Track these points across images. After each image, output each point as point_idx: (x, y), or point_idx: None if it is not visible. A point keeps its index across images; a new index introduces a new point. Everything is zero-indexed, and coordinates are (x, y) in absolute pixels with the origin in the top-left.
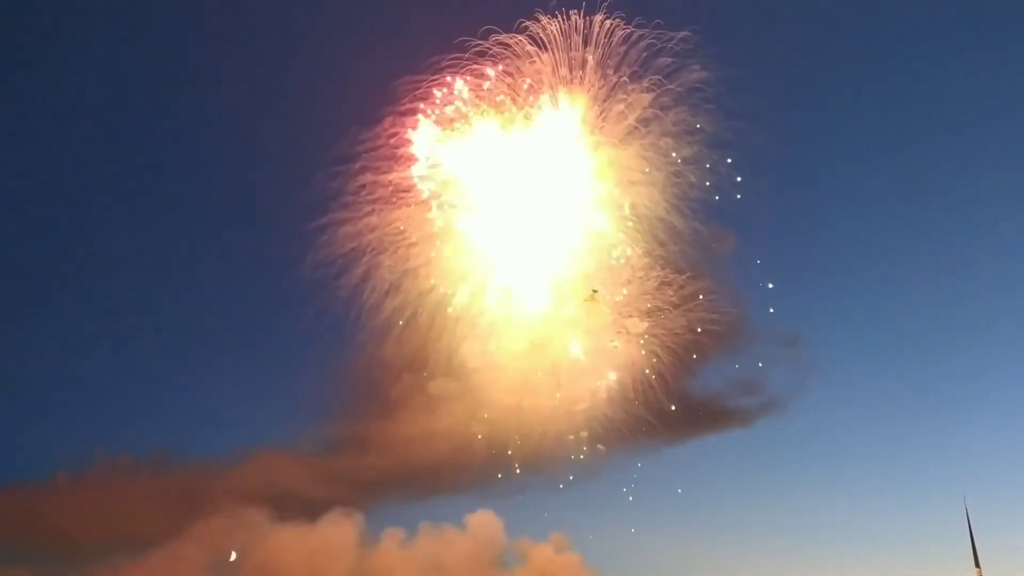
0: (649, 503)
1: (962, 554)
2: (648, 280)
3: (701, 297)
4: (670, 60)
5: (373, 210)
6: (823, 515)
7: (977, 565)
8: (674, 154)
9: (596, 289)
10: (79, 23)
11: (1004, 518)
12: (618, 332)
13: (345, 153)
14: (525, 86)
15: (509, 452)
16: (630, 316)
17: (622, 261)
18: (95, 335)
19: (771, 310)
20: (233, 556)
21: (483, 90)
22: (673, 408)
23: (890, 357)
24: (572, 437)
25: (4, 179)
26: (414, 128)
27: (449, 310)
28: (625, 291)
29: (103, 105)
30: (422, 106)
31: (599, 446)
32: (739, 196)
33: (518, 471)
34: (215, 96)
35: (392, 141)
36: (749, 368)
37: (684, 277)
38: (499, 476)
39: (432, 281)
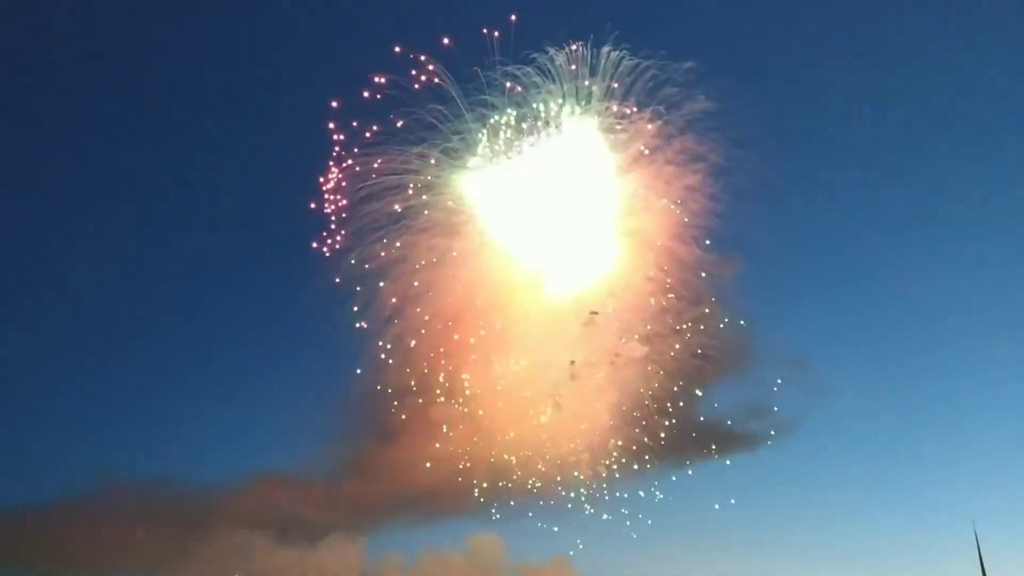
0: (655, 526)
1: None
2: (651, 305)
3: (706, 322)
4: (675, 90)
5: (377, 235)
6: (831, 539)
7: None
8: (679, 182)
9: (596, 311)
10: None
11: (1014, 542)
12: (617, 355)
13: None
14: (530, 115)
15: (512, 476)
16: (631, 340)
17: (624, 286)
18: (96, 359)
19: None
20: None
21: (490, 119)
22: (679, 432)
23: (898, 380)
24: (575, 460)
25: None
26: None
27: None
28: (627, 315)
29: (104, 130)
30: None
31: (602, 470)
32: (745, 222)
33: (520, 495)
34: (214, 116)
35: (397, 166)
36: (756, 392)
37: (685, 303)
38: (507, 500)
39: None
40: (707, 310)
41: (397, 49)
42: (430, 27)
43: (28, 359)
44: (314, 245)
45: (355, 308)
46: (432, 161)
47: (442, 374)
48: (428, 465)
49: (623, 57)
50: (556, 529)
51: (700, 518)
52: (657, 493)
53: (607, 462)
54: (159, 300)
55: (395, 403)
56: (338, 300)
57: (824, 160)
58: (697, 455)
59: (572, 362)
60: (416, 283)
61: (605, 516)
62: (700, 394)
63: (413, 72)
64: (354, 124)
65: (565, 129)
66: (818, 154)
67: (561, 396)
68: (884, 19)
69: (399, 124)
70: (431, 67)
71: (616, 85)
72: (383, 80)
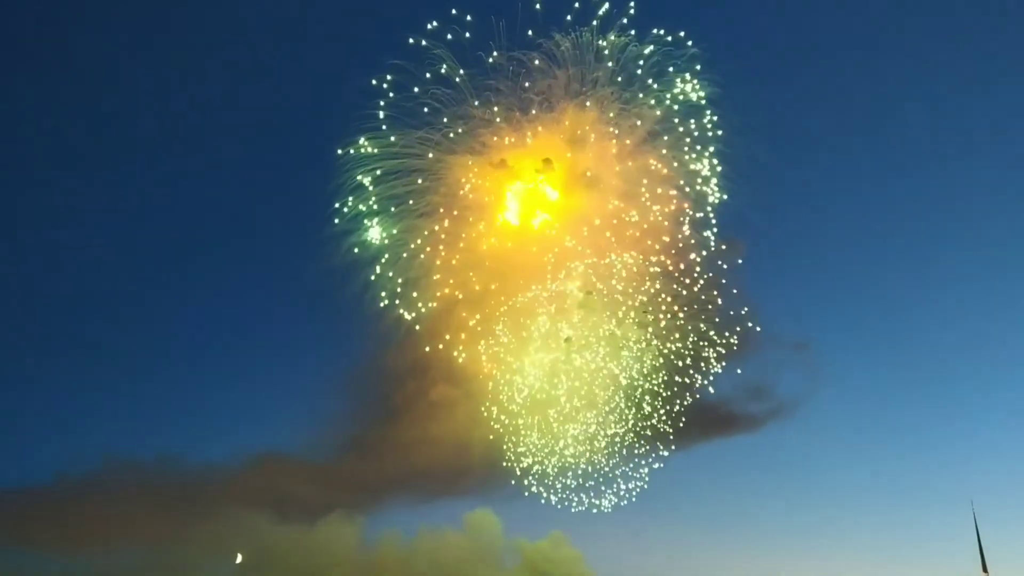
0: (653, 504)
1: (970, 558)
2: (652, 287)
3: (708, 305)
4: (680, 76)
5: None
6: (830, 520)
7: (985, 569)
8: (683, 166)
9: (591, 292)
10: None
11: (1012, 522)
12: (615, 336)
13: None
14: (538, 100)
15: (511, 455)
16: (630, 321)
17: (624, 269)
18: (99, 340)
19: None
20: (239, 558)
21: (496, 103)
22: (678, 412)
23: (898, 362)
24: (579, 439)
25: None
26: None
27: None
28: (626, 297)
29: (113, 118)
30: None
31: (600, 449)
32: (747, 206)
33: (520, 474)
34: (219, 103)
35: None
36: (758, 373)
37: (687, 286)
38: (507, 480)
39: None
40: (710, 293)
41: (405, 36)
42: (437, 13)
43: (31, 339)
44: (316, 227)
45: (355, 290)
46: (436, 146)
47: (442, 355)
48: (426, 445)
49: (628, 43)
50: (554, 507)
51: (699, 497)
52: (657, 472)
53: (605, 441)
54: (162, 281)
55: (395, 384)
56: (339, 282)
57: (827, 146)
58: (697, 436)
59: (567, 340)
60: (417, 266)
61: (604, 495)
62: (701, 375)
63: (419, 58)
64: (362, 108)
65: (570, 113)
66: (821, 140)
67: (558, 374)
68: (886, 9)
69: (404, 108)
70: (437, 52)
71: (621, 70)
72: (390, 64)
